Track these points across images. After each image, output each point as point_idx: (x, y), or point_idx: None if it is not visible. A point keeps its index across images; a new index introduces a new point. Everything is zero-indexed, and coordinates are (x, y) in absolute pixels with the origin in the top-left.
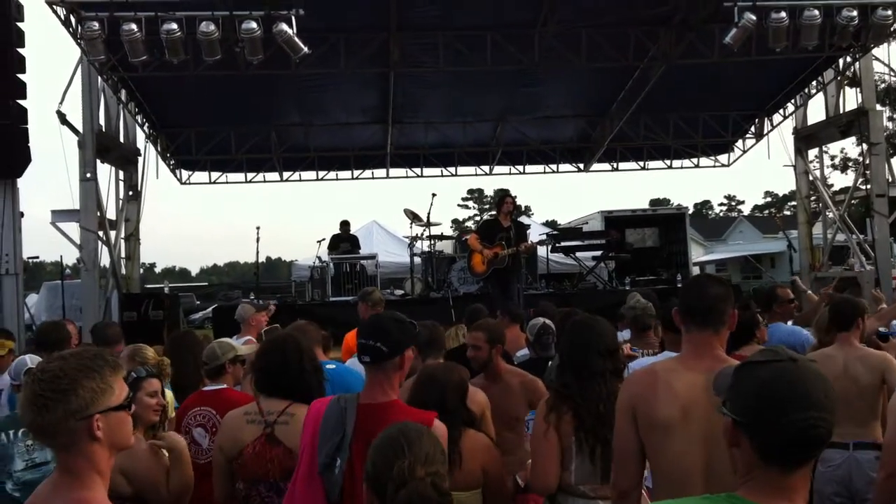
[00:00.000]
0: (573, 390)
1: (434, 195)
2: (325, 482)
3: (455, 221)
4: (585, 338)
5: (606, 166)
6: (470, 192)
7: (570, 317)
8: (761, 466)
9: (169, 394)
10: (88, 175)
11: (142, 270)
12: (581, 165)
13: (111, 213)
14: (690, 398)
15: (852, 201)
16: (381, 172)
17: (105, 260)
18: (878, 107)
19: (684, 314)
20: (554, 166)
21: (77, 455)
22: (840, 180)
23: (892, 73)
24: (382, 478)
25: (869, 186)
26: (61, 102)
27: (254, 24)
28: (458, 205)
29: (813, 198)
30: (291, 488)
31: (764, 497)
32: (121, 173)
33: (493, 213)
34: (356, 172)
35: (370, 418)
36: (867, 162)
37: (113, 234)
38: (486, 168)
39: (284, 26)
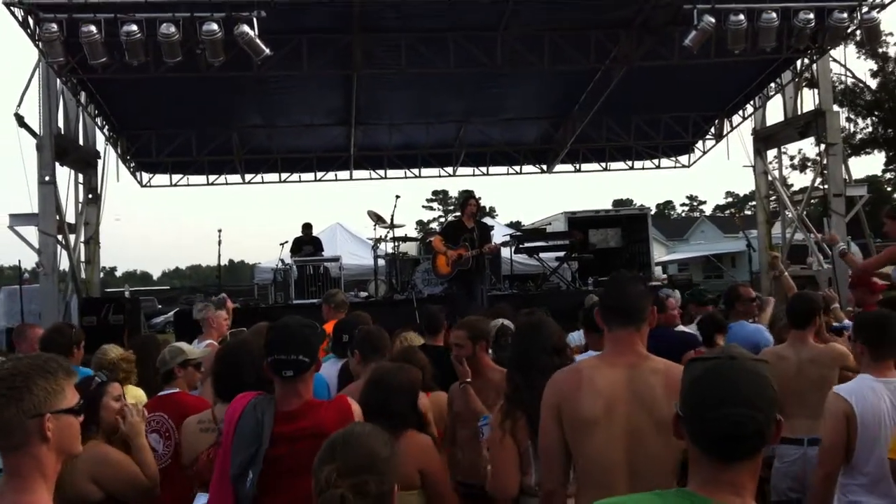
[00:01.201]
0: (524, 395)
1: (398, 197)
2: (237, 491)
3: (420, 223)
4: (531, 338)
5: (569, 167)
6: (434, 193)
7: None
8: (703, 460)
9: (138, 390)
10: (47, 178)
11: (102, 274)
12: (544, 167)
13: (70, 217)
14: (613, 395)
15: (811, 201)
16: (344, 174)
17: (64, 264)
18: (836, 108)
19: (605, 313)
20: (517, 168)
21: (25, 456)
22: (799, 180)
23: (848, 75)
24: (315, 478)
25: (826, 186)
26: (19, 105)
27: (215, 26)
28: (423, 206)
29: (772, 198)
30: (212, 486)
31: (710, 491)
32: (80, 176)
33: (457, 214)
34: (319, 174)
35: (293, 423)
36: (824, 162)
37: (72, 237)
38: (449, 169)
39: (246, 28)
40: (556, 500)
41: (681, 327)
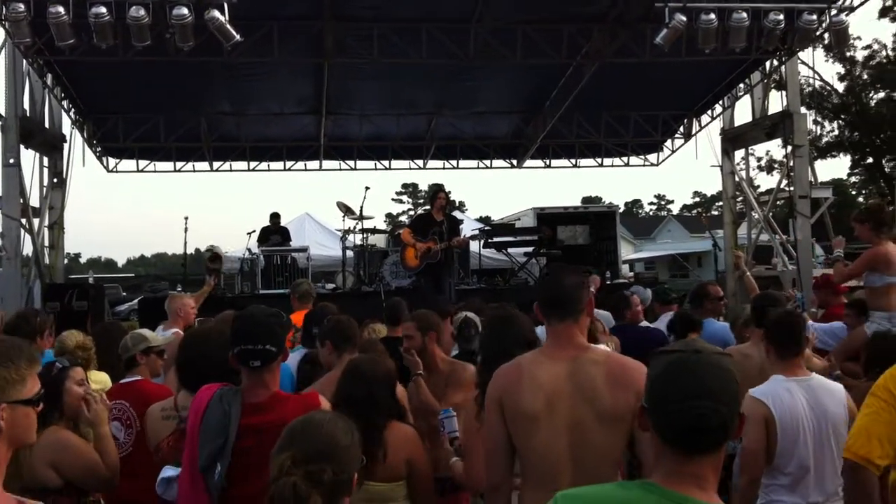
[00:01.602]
0: None
1: (367, 188)
2: (207, 483)
3: (389, 216)
4: (501, 331)
5: (539, 163)
6: (404, 186)
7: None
8: (666, 452)
9: (102, 374)
10: (11, 161)
11: (66, 261)
12: (514, 162)
13: (35, 201)
14: (554, 388)
15: (776, 202)
16: (313, 164)
17: (28, 249)
18: (803, 110)
19: (544, 307)
20: (487, 162)
21: None
22: (766, 181)
23: (816, 78)
24: (272, 465)
25: (792, 188)
26: None
27: (185, 10)
28: (392, 199)
29: (739, 198)
30: (180, 478)
31: (672, 483)
32: (45, 160)
33: (427, 207)
34: (288, 164)
35: (259, 415)
36: (791, 164)
37: (36, 221)
38: (420, 162)
39: (216, 13)
40: (501, 494)
41: (644, 324)
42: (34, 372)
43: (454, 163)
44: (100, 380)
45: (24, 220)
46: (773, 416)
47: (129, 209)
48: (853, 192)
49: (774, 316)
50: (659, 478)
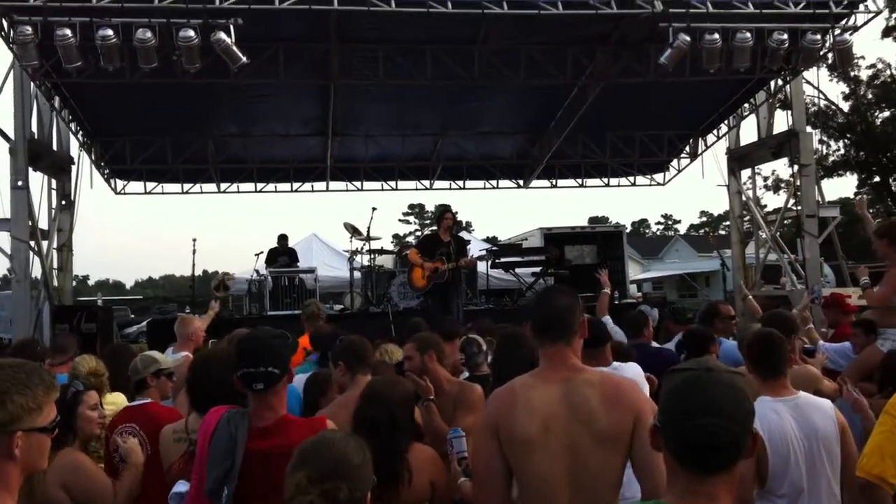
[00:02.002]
0: None
1: (374, 209)
2: None
3: (395, 237)
4: (509, 351)
5: (545, 183)
6: (411, 207)
7: None
8: (679, 471)
9: (120, 396)
10: (20, 183)
11: (74, 283)
12: (520, 182)
13: (43, 223)
14: (549, 412)
15: (784, 222)
16: (320, 185)
17: (36, 271)
18: (808, 129)
19: (536, 330)
20: (494, 182)
21: None
22: (772, 201)
23: (821, 97)
24: (286, 484)
25: (800, 207)
26: None
27: (191, 33)
28: (399, 220)
29: (746, 218)
30: (187, 499)
31: (686, 502)
32: (53, 182)
33: (434, 228)
34: (295, 185)
35: (266, 440)
36: (798, 183)
37: (45, 244)
38: (426, 182)
39: (223, 35)
40: None
41: (654, 345)
42: (52, 398)
43: (460, 183)
44: (116, 401)
45: (32, 243)
46: (762, 438)
47: (136, 231)
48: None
49: (751, 336)
50: (672, 497)
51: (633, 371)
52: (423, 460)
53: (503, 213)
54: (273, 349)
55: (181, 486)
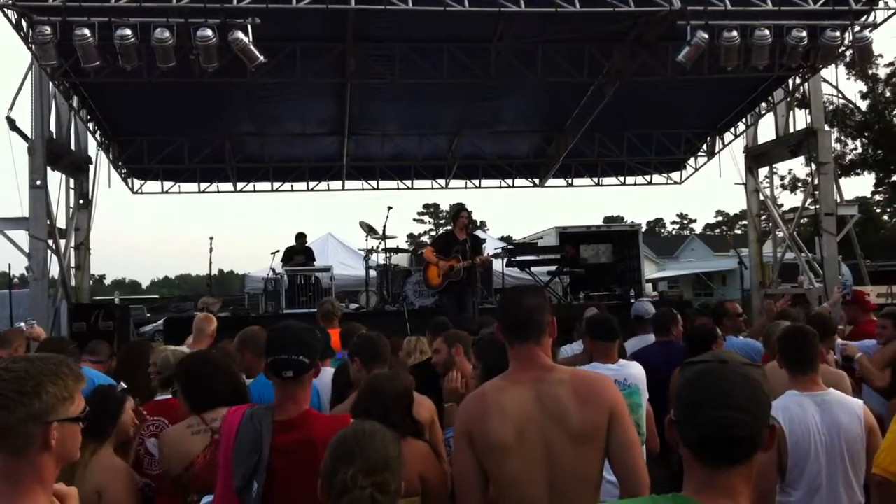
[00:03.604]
0: None
1: (390, 208)
2: (244, 503)
3: (410, 236)
4: (500, 348)
5: (562, 181)
6: (426, 206)
7: None
8: (695, 464)
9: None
10: (38, 182)
11: (91, 282)
12: (536, 180)
13: (61, 222)
14: (521, 415)
15: (801, 220)
16: (336, 184)
17: (54, 270)
18: (826, 127)
19: (504, 330)
20: (510, 181)
21: (24, 462)
22: (789, 200)
23: (838, 96)
24: (330, 481)
25: (818, 206)
26: (11, 108)
27: (209, 32)
28: (414, 219)
29: (763, 216)
30: (214, 500)
31: (703, 495)
32: (71, 181)
33: (449, 227)
34: (311, 184)
35: (287, 434)
36: (816, 182)
37: (63, 243)
38: (442, 181)
39: (240, 34)
40: None
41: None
42: (80, 388)
43: (476, 182)
44: None
45: (50, 242)
46: (783, 431)
47: (153, 230)
48: (878, 210)
49: (783, 332)
50: (689, 490)
51: (635, 370)
52: (414, 454)
53: (518, 212)
54: (303, 340)
55: (209, 499)
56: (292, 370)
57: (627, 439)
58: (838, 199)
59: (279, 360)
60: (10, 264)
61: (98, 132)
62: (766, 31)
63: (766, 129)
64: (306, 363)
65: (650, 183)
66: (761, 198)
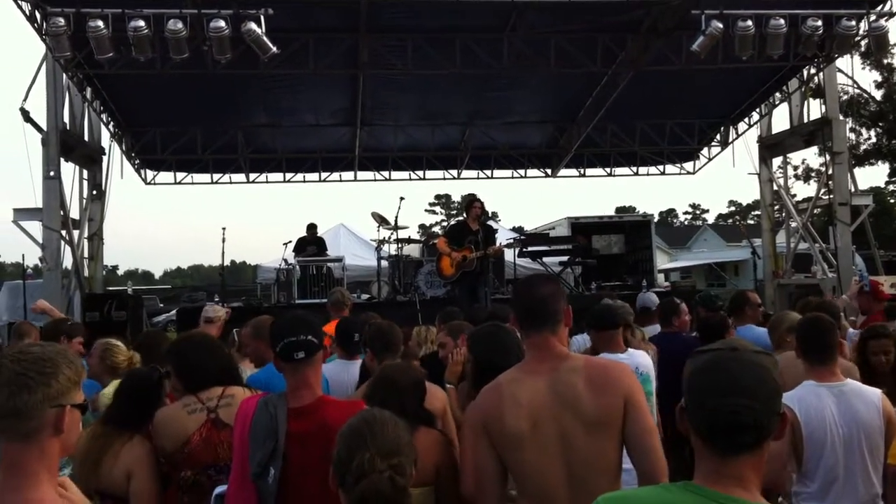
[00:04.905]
0: None
1: (402, 199)
2: (260, 490)
3: (422, 227)
4: (491, 341)
5: (574, 172)
6: (437, 197)
7: None
8: (705, 452)
9: None
10: (52, 173)
11: (104, 272)
12: (549, 171)
13: (74, 213)
14: (536, 405)
15: (815, 210)
16: (348, 175)
17: (68, 260)
18: (841, 117)
19: (519, 319)
20: (522, 171)
21: (34, 447)
22: (801, 190)
23: (853, 85)
24: (345, 467)
25: (832, 196)
26: (25, 99)
27: (222, 23)
28: (426, 210)
29: (776, 206)
30: (228, 491)
31: (714, 483)
32: (85, 172)
33: (460, 218)
34: (324, 175)
35: (302, 421)
36: (830, 171)
37: (76, 233)
38: (454, 172)
39: (253, 25)
40: None
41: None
42: (83, 378)
43: (488, 172)
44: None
45: (64, 232)
46: (798, 421)
47: (166, 221)
48: (892, 201)
49: (801, 321)
50: (700, 478)
51: (644, 359)
52: (428, 443)
53: (530, 202)
54: (308, 322)
55: (222, 489)
56: (303, 350)
57: (644, 426)
58: (852, 189)
59: (289, 343)
60: (23, 255)
61: (111, 123)
62: (781, 20)
63: (781, 119)
64: (315, 342)
65: (663, 173)
66: (775, 188)
